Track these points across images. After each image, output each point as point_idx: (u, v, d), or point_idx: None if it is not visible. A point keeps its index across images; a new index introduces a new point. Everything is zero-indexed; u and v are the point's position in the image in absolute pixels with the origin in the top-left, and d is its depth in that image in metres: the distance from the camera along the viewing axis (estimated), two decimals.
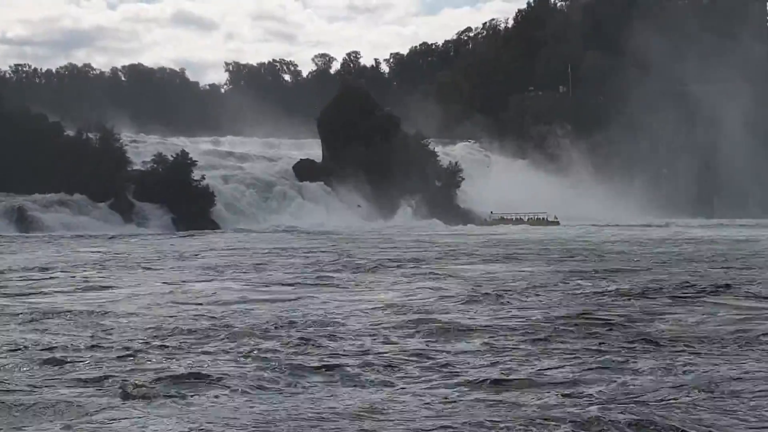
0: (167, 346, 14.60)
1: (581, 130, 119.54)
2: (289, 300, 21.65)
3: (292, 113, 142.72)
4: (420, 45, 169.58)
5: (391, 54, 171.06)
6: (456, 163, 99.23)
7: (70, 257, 42.55)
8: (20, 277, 30.22)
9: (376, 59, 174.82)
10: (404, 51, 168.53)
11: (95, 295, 23.74)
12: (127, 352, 14.10)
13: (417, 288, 23.56)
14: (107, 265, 36.19)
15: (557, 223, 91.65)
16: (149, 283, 26.88)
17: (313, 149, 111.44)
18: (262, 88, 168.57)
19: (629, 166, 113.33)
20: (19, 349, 14.62)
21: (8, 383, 12.03)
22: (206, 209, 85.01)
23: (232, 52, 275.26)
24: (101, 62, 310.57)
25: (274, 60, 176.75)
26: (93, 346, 14.85)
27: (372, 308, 19.56)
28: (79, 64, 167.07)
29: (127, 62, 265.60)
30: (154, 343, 14.95)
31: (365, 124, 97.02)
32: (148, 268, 34.54)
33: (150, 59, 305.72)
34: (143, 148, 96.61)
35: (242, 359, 13.44)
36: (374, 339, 15.07)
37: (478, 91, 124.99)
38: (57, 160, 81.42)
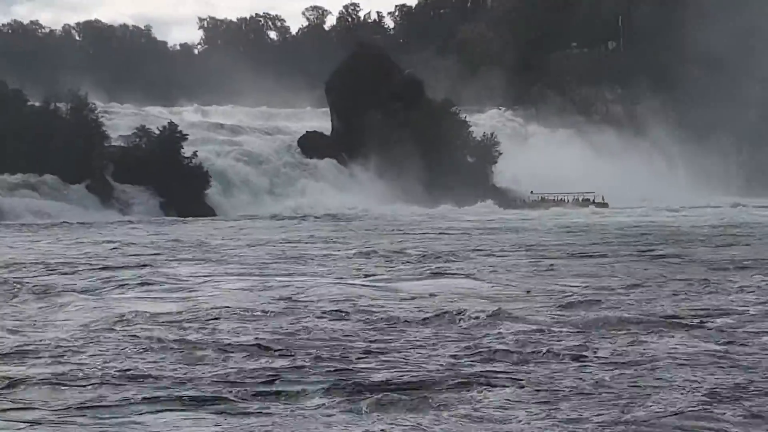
0: None
1: (634, 94, 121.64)
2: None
3: (282, 77, 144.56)
4: None
5: (396, 6, 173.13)
6: (492, 134, 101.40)
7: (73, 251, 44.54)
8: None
9: (378, 12, 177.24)
10: (412, 2, 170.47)
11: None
12: None
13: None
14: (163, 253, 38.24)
15: (606, 206, 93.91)
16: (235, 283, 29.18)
17: (315, 120, 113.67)
18: (244, 48, 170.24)
19: (692, 138, 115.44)
20: None
21: None
22: (200, 192, 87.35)
23: (203, 6, 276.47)
24: (47, 19, 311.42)
25: (257, 15, 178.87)
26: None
27: None
28: (24, 21, 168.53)
29: (78, 19, 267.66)
30: None
31: (383, 90, 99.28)
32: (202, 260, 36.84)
33: (106, 15, 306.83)
34: (117, 119, 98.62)
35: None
36: None
37: (509, 48, 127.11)
38: (21, 135, 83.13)
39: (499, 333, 17.04)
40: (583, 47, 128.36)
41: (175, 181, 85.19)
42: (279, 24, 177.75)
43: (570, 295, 22.91)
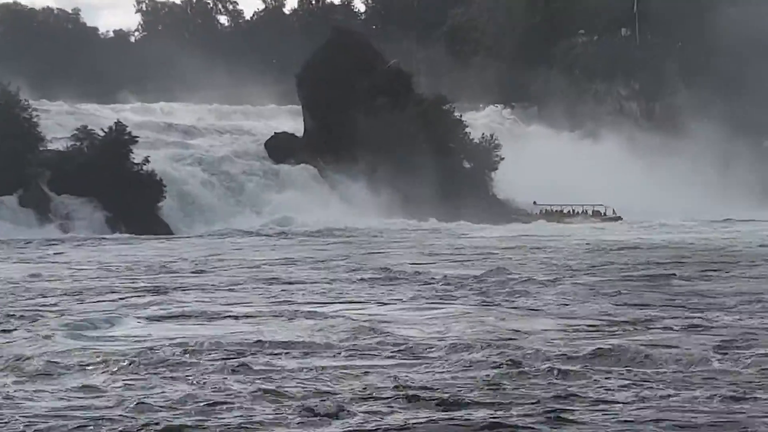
0: None
1: (653, 89, 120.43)
2: None
3: (237, 70, 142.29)
4: None
5: None
6: (492, 136, 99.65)
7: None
8: None
9: None
10: None
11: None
12: None
13: None
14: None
15: (619, 219, 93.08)
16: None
17: (281, 119, 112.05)
18: (190, 36, 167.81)
19: (721, 140, 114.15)
20: None
21: None
22: (153, 205, 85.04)
23: None
24: None
25: None
26: None
27: None
28: None
29: None
30: None
31: (364, 84, 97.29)
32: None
33: None
34: (47, 119, 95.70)
35: None
36: None
37: (506, 36, 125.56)
38: None
39: None
40: (592, 35, 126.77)
41: (123, 193, 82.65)
42: (231, 7, 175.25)
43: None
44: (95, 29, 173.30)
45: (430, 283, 35.86)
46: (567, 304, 29.76)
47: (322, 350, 21.75)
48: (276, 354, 21.16)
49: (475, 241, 65.28)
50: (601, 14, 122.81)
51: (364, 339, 23.04)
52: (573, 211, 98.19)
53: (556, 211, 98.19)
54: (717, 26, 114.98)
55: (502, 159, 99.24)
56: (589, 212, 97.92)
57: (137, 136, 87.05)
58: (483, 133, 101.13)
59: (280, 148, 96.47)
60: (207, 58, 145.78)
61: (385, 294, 32.66)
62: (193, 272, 43.00)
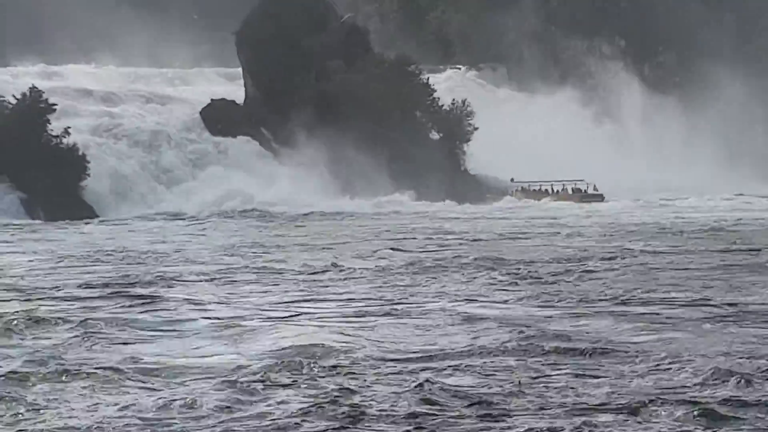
0: None
1: (640, 48, 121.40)
2: None
3: (148, 27, 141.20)
4: None
5: None
6: (464, 101, 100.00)
7: None
8: None
9: None
10: None
11: None
12: None
13: None
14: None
15: (601, 197, 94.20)
16: None
17: (214, 84, 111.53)
18: None
19: (710, 108, 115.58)
20: None
21: None
22: (75, 184, 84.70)
23: None
24: None
25: None
26: None
27: None
28: None
29: None
30: None
31: (315, 43, 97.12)
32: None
33: None
34: None
35: None
36: None
37: None
38: None
39: None
40: None
41: (40, 170, 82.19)
42: None
43: None
44: None
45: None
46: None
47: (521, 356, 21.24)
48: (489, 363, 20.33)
49: (462, 225, 65.56)
50: None
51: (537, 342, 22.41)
52: (552, 189, 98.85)
53: (534, 189, 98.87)
54: None
55: (476, 129, 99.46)
56: (570, 189, 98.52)
57: (55, 104, 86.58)
58: (453, 99, 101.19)
59: (218, 117, 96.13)
60: (117, 11, 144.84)
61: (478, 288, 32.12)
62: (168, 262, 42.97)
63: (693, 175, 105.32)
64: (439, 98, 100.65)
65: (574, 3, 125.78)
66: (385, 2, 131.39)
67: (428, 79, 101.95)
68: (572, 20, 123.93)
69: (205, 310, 28.16)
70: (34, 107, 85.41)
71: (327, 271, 37.70)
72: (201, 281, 34.88)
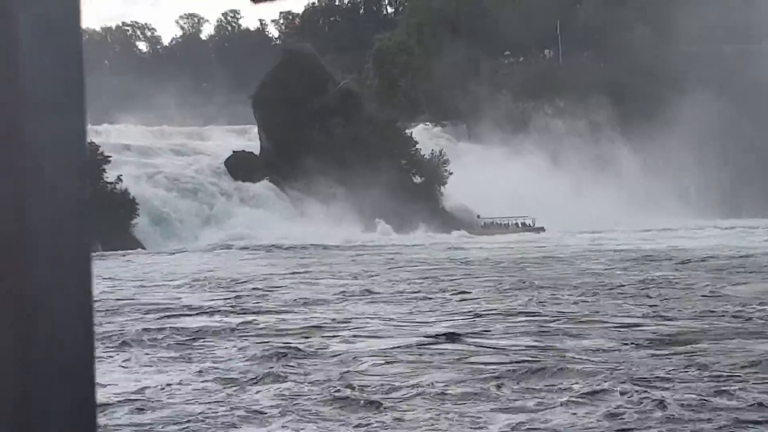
0: None
1: (576, 107, 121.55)
2: None
3: (160, 93, 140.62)
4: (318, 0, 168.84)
5: (281, 13, 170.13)
6: (441, 151, 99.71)
7: None
8: None
9: (261, 20, 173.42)
10: (298, 9, 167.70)
11: None
12: None
13: None
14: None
15: (540, 230, 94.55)
16: None
17: (224, 139, 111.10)
18: (110, 62, 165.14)
19: (641, 153, 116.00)
20: None
21: None
22: (127, 222, 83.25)
23: None
24: None
25: (123, 24, 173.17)
26: None
27: None
28: None
29: None
30: None
31: (317, 104, 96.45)
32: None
33: None
34: None
35: None
36: None
37: (434, 57, 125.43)
38: None
39: None
40: (518, 56, 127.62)
41: (98, 211, 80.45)
42: (150, 34, 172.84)
43: None
44: None
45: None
46: None
47: None
48: None
49: (469, 253, 65.01)
50: (524, 36, 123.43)
51: None
52: (506, 223, 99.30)
53: (492, 223, 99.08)
54: (634, 46, 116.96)
55: (450, 174, 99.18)
56: (519, 224, 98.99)
57: (110, 156, 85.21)
58: (432, 150, 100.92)
59: (239, 166, 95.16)
60: (130, 81, 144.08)
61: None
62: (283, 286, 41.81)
63: (624, 209, 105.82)
64: (421, 149, 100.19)
65: (520, 72, 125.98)
66: (363, 71, 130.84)
67: (411, 133, 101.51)
68: (519, 85, 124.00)
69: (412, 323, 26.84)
70: (93, 158, 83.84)
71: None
72: (344, 301, 32.64)
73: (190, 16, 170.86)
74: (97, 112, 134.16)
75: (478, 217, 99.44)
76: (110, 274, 50.67)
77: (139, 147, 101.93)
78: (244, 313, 28.74)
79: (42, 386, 1.67)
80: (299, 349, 21.40)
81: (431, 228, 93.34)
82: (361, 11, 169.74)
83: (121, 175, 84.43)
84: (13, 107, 1.58)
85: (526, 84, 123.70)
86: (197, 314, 29.24)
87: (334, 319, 26.78)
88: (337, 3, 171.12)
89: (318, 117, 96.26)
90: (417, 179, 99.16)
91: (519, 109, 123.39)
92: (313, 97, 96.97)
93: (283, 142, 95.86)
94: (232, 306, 31.01)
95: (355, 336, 23.61)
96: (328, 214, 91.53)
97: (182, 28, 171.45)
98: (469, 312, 27.93)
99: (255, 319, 27.28)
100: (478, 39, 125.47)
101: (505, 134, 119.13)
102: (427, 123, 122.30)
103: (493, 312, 27.64)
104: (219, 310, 29.87)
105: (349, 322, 26.38)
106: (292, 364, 19.81)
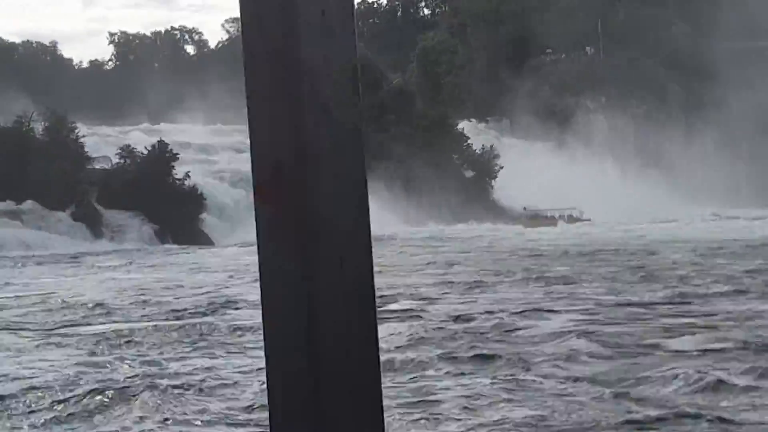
0: None
1: (618, 102, 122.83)
2: None
3: (211, 93, 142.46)
4: (357, 3, 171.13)
5: None
6: (492, 146, 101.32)
7: None
8: None
9: None
10: None
11: None
12: None
13: None
14: None
15: (587, 221, 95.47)
16: None
17: None
18: (159, 65, 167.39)
19: (684, 145, 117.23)
20: None
21: None
22: (195, 217, 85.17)
23: (94, 22, 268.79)
24: None
25: (172, 28, 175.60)
26: None
27: None
28: None
29: None
30: None
31: (371, 102, 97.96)
32: None
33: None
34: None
35: None
36: None
37: (477, 55, 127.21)
38: None
39: None
40: (560, 53, 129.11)
41: (168, 206, 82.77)
42: (197, 37, 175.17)
43: None
44: (70, 60, 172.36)
45: None
46: None
47: None
48: None
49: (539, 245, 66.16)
50: (567, 34, 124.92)
51: None
52: (551, 215, 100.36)
53: (538, 216, 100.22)
54: (674, 42, 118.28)
55: (501, 168, 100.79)
56: (565, 216, 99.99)
57: (178, 154, 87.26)
58: (483, 145, 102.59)
59: None
60: (179, 83, 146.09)
61: None
62: None
63: (670, 200, 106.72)
64: (472, 144, 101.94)
65: (562, 69, 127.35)
66: (406, 71, 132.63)
67: (463, 129, 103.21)
68: (562, 81, 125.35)
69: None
70: (162, 156, 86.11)
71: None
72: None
73: (236, 20, 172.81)
74: (151, 112, 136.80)
75: (525, 209, 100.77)
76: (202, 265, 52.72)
77: (198, 145, 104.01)
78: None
79: (326, 303, 1.69)
80: None
81: (484, 221, 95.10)
82: (399, 13, 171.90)
83: (189, 172, 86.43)
84: (290, 33, 1.66)
85: (567, 80, 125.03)
86: None
87: None
88: (375, 6, 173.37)
89: (372, 115, 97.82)
90: (468, 173, 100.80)
91: (561, 104, 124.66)
92: (368, 95, 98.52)
93: None
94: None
95: None
96: (385, 207, 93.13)
97: (228, 31, 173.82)
98: None
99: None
100: (520, 37, 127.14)
101: (547, 129, 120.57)
102: (471, 119, 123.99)
103: None
104: None
105: None
106: None
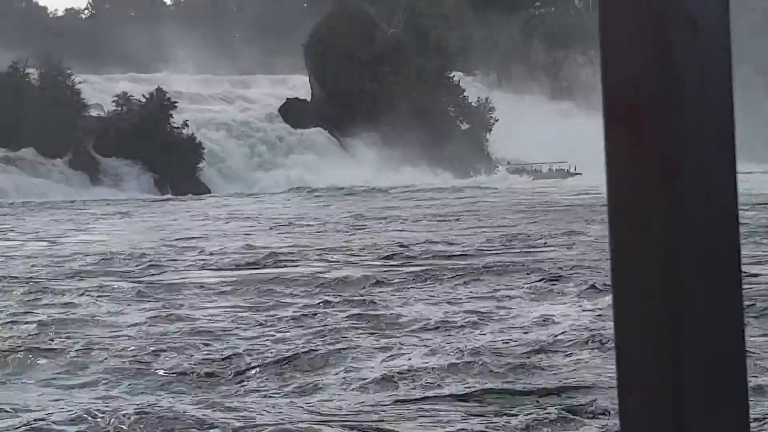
0: None
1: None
2: None
3: (192, 43, 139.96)
4: None
5: None
6: (487, 99, 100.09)
7: None
8: None
9: None
10: None
11: None
12: None
13: None
14: None
15: (577, 174, 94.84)
16: None
17: (268, 87, 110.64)
18: (135, 13, 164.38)
19: None
20: None
21: None
22: (194, 166, 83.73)
23: None
24: None
25: None
26: None
27: None
28: None
29: None
30: None
31: (367, 54, 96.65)
32: None
33: None
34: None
35: None
36: None
37: (462, 8, 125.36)
38: None
39: None
40: (549, 6, 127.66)
41: (166, 155, 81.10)
42: None
43: None
44: (45, 9, 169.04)
45: None
46: None
47: None
48: None
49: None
50: None
51: None
52: (540, 169, 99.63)
53: (522, 168, 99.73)
54: None
55: (496, 121, 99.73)
56: (554, 169, 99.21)
57: (176, 102, 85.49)
58: (478, 97, 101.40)
59: (293, 113, 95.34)
60: (161, 34, 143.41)
61: None
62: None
63: None
64: (468, 96, 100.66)
65: (551, 22, 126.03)
66: (392, 24, 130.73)
67: (459, 81, 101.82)
68: (550, 35, 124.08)
69: None
70: (159, 104, 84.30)
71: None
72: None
73: None
74: (133, 61, 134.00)
75: (508, 163, 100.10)
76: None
77: (189, 94, 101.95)
78: None
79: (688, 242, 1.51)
80: None
81: (480, 173, 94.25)
82: None
83: (187, 120, 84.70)
84: None
85: (557, 34, 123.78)
86: None
87: None
88: None
89: (368, 67, 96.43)
90: (464, 126, 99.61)
91: (550, 58, 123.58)
92: (363, 47, 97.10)
93: (335, 90, 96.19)
94: None
95: None
96: (380, 159, 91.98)
97: None
98: None
99: None
100: None
101: (536, 83, 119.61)
102: (459, 72, 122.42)
103: None
104: None
105: None
106: None
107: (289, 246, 31.29)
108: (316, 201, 65.91)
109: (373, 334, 15.75)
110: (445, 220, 41.60)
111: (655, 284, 1.45)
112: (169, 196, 77.20)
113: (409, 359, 13.84)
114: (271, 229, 40.74)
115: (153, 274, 25.15)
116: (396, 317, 17.25)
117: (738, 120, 1.42)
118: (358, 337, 15.41)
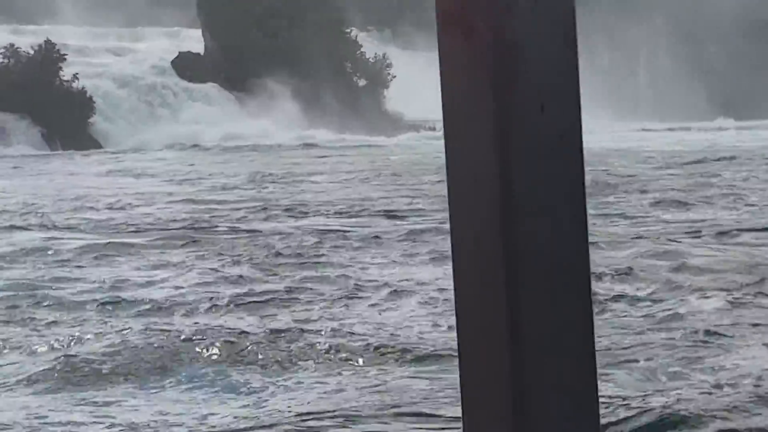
0: None
1: None
2: None
3: None
4: None
5: None
6: (384, 55, 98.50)
7: None
8: None
9: None
10: None
11: None
12: None
13: None
14: None
15: None
16: None
17: (156, 39, 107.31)
18: None
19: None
20: None
21: None
22: (85, 121, 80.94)
23: None
24: None
25: None
26: None
27: None
28: None
29: None
30: None
31: (261, 7, 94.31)
32: None
33: None
34: None
35: None
36: None
37: None
38: None
39: None
40: None
41: (56, 110, 78.18)
42: None
43: None
44: None
45: None
46: None
47: None
48: None
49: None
50: None
51: None
52: (434, 127, 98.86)
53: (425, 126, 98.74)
54: None
55: (394, 77, 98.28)
56: None
57: (66, 54, 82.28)
58: (375, 53, 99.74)
59: (186, 66, 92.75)
60: None
61: None
62: None
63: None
64: (365, 52, 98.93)
65: None
66: None
67: (356, 36, 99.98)
68: None
69: None
70: (49, 56, 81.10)
71: None
72: None
73: None
74: (14, 12, 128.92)
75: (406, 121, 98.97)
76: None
77: (76, 47, 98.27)
78: None
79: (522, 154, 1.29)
80: None
81: (376, 131, 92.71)
82: None
83: (77, 73, 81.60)
84: None
85: None
86: None
87: None
88: None
89: (264, 19, 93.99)
90: (362, 82, 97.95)
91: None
92: (258, 1, 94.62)
93: (229, 44, 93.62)
94: None
95: None
96: (275, 114, 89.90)
97: None
98: None
99: None
100: None
101: (430, 38, 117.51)
102: (352, 28, 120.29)
103: None
104: None
105: None
106: None
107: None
108: (211, 156, 63.98)
109: None
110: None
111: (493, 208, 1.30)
112: (60, 151, 74.51)
113: None
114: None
115: None
116: None
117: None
118: None
